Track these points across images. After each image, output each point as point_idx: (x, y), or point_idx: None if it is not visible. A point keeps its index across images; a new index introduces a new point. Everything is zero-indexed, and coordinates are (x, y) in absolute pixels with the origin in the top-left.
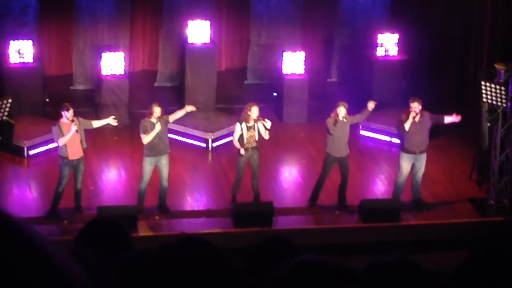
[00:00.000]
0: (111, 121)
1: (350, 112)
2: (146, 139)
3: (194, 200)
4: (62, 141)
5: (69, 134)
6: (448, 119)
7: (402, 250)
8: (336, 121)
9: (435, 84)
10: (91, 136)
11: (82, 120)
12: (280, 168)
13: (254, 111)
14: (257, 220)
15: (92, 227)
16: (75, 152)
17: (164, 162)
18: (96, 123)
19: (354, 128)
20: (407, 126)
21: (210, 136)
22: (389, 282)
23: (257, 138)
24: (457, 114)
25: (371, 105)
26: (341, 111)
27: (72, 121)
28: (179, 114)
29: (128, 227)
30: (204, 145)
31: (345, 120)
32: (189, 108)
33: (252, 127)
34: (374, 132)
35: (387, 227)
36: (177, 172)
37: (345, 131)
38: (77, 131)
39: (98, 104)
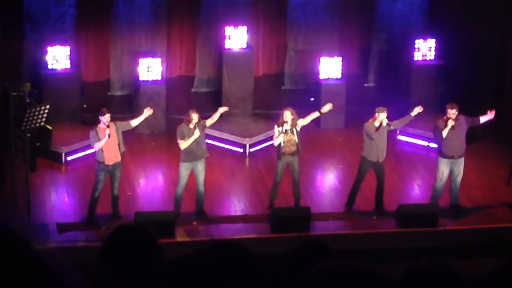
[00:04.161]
0: (148, 112)
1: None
2: (183, 145)
3: (231, 205)
4: (97, 146)
5: (103, 140)
6: (483, 119)
7: (440, 255)
8: (379, 126)
9: (473, 89)
10: (128, 141)
11: (120, 123)
12: (318, 173)
13: (286, 115)
14: (294, 225)
15: (119, 233)
16: (111, 157)
17: (200, 168)
18: (135, 122)
19: (391, 133)
20: (444, 133)
21: (247, 142)
22: (426, 287)
23: (296, 142)
24: (491, 110)
25: (416, 111)
26: (382, 116)
27: (108, 126)
28: (215, 117)
29: (163, 233)
30: (241, 150)
31: (390, 126)
32: (221, 109)
33: (290, 130)
34: (411, 137)
35: (424, 232)
36: (214, 177)
37: (383, 136)
38: (109, 135)
39: (135, 110)
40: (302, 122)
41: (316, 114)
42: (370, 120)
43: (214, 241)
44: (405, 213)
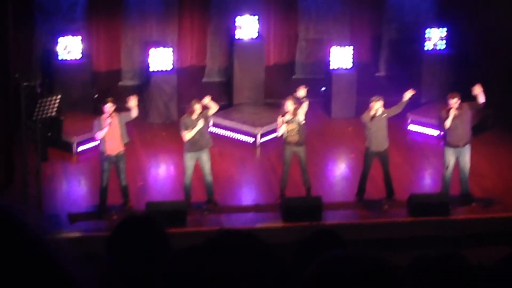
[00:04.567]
0: (134, 101)
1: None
2: (187, 135)
3: (242, 195)
4: (98, 136)
5: (104, 129)
6: (481, 98)
7: (451, 244)
8: (373, 116)
9: (484, 78)
10: (139, 131)
11: (123, 114)
12: (329, 163)
13: (287, 105)
14: (305, 214)
15: (126, 224)
16: (113, 147)
17: (205, 159)
18: (134, 113)
19: (402, 122)
20: (447, 123)
21: (258, 131)
22: (436, 275)
23: (298, 131)
24: (475, 85)
25: (407, 95)
26: (377, 105)
27: (110, 116)
28: (213, 106)
29: (175, 222)
30: (252, 140)
31: (384, 114)
32: (206, 99)
33: (291, 120)
34: (422, 126)
35: (436, 221)
36: (225, 167)
37: (382, 125)
38: (110, 124)
39: (146, 100)
40: (300, 110)
41: (305, 102)
42: (366, 110)
43: (223, 230)
44: (416, 202)
